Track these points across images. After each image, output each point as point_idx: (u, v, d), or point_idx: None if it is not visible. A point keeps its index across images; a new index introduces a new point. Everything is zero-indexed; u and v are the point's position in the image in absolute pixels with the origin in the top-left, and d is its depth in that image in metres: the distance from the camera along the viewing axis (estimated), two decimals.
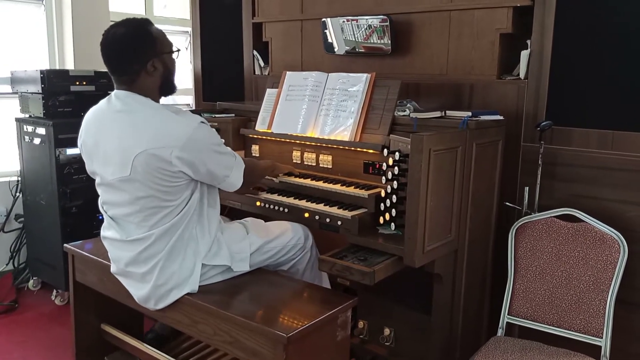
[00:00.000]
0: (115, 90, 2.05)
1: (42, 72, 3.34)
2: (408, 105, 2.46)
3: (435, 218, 2.08)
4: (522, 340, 2.22)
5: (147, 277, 2.05)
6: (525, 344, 2.18)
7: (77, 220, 3.41)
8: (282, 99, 2.74)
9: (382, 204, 2.20)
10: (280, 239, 2.33)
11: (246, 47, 3.56)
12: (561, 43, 2.39)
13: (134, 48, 1.98)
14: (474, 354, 2.14)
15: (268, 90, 2.86)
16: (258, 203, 2.52)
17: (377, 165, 2.40)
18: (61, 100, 3.42)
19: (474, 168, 2.25)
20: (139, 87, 2.01)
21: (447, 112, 2.41)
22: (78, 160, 3.32)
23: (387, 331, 2.57)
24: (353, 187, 2.38)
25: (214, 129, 2.08)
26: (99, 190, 2.15)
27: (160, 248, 2.02)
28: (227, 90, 3.68)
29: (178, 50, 2.12)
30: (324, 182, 2.48)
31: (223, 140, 2.11)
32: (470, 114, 2.33)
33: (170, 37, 2.10)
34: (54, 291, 3.60)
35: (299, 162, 2.70)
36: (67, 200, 3.37)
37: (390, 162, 2.15)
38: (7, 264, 3.75)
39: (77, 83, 3.47)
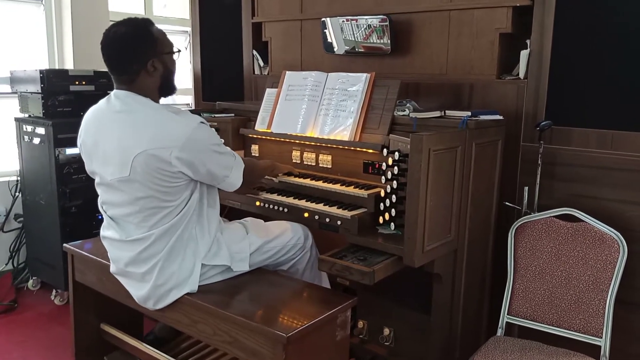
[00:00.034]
0: (114, 90, 2.04)
1: (41, 71, 3.34)
2: (407, 105, 2.46)
3: (435, 218, 2.08)
4: (522, 340, 2.22)
5: (147, 277, 2.05)
6: (524, 343, 2.18)
7: (77, 220, 3.41)
8: (281, 98, 2.74)
9: (381, 204, 2.20)
10: (280, 239, 2.33)
11: (246, 46, 3.56)
12: (561, 43, 2.40)
13: (134, 47, 1.98)
14: (473, 354, 2.14)
15: (268, 90, 2.86)
16: (258, 203, 2.52)
17: (377, 165, 2.40)
18: (61, 100, 3.41)
19: (473, 168, 2.25)
20: (139, 87, 2.01)
21: (446, 111, 2.41)
22: (77, 160, 3.32)
23: (386, 331, 2.57)
24: (353, 186, 2.38)
25: (213, 129, 2.08)
26: (99, 190, 2.15)
27: (159, 248, 2.02)
28: (227, 90, 3.68)
29: (178, 50, 2.12)
30: (323, 182, 2.48)
31: (222, 140, 2.11)
32: (469, 113, 2.33)
33: (170, 37, 2.10)
34: (54, 291, 3.60)
35: (298, 161, 2.70)
36: (66, 200, 3.37)
37: (390, 161, 2.15)
38: (6, 264, 3.74)
39: (77, 83, 3.47)
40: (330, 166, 2.60)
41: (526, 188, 2.44)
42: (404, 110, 2.43)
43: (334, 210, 2.28)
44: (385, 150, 2.29)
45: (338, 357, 1.99)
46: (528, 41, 2.48)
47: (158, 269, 2.02)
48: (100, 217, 2.21)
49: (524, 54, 2.49)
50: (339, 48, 2.99)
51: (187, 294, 2.04)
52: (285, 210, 2.43)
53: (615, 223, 2.21)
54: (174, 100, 2.17)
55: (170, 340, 2.58)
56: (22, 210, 3.74)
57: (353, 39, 2.89)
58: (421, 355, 2.44)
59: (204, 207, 2.09)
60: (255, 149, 2.87)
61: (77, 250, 2.47)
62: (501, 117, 2.41)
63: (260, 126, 2.81)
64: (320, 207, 2.34)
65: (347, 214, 2.22)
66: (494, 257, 2.52)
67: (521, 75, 2.51)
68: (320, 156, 2.62)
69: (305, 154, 2.67)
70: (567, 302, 2.21)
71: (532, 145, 2.45)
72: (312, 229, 2.43)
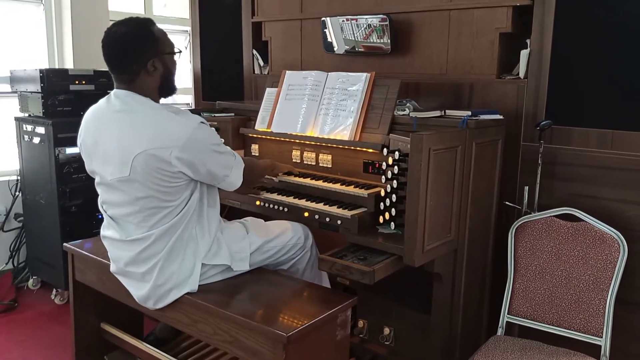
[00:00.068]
0: (114, 90, 2.04)
1: (41, 71, 3.34)
2: (408, 104, 2.46)
3: (435, 217, 2.08)
4: (522, 339, 2.22)
5: (147, 277, 2.05)
6: (525, 343, 2.18)
7: (77, 220, 3.41)
8: (281, 98, 2.74)
9: (381, 203, 2.20)
10: (280, 239, 2.33)
11: (246, 46, 3.56)
12: (561, 42, 2.39)
13: (135, 47, 1.98)
14: (473, 354, 2.14)
15: (267, 90, 2.85)
16: (258, 202, 2.52)
17: (377, 165, 2.40)
18: (60, 100, 3.42)
19: (473, 167, 2.25)
20: (139, 87, 2.01)
21: (446, 111, 2.41)
22: (77, 160, 3.32)
23: (386, 330, 2.57)
24: (353, 186, 2.38)
25: (213, 129, 2.08)
26: (99, 190, 2.15)
27: (159, 248, 2.02)
28: (227, 89, 3.68)
29: (179, 51, 2.12)
30: (323, 182, 2.48)
31: (223, 140, 2.11)
32: (469, 113, 2.33)
33: (170, 37, 2.10)
34: (54, 290, 3.60)
35: (298, 161, 2.70)
36: (66, 199, 3.37)
37: (390, 161, 2.15)
38: (6, 263, 3.74)
39: (77, 82, 3.47)
40: (330, 166, 2.60)
41: (526, 187, 2.44)
42: (404, 110, 2.43)
43: (334, 209, 2.28)
44: (385, 150, 2.29)
45: (338, 356, 1.99)
46: (528, 41, 2.48)
47: (158, 268, 2.02)
48: (100, 216, 2.21)
49: (524, 54, 2.49)
50: (339, 48, 2.99)
51: (187, 293, 2.04)
52: (286, 209, 2.43)
53: (615, 223, 2.21)
54: (174, 99, 2.17)
55: (170, 341, 2.58)
56: (22, 210, 3.74)
57: (353, 39, 2.89)
58: (421, 355, 2.44)
59: (204, 207, 2.09)
60: (255, 148, 2.87)
61: (77, 249, 2.47)
62: (501, 117, 2.41)
63: (260, 126, 2.81)
64: (320, 206, 2.34)
65: (347, 213, 2.22)
66: (494, 256, 2.52)
67: (521, 74, 2.51)
68: (320, 156, 2.62)
69: (305, 154, 2.67)
70: (568, 302, 2.21)
71: (532, 145, 2.45)
72: (312, 229, 2.43)
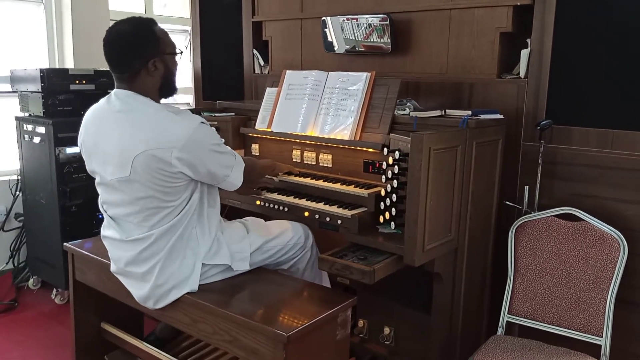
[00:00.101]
0: (115, 90, 2.04)
1: (41, 70, 3.34)
2: (408, 104, 2.46)
3: (435, 217, 2.08)
4: (522, 339, 2.22)
5: (147, 277, 2.05)
6: (525, 343, 2.18)
7: (77, 219, 3.41)
8: (282, 97, 2.74)
9: (382, 203, 2.20)
10: (281, 238, 2.33)
11: (246, 46, 3.56)
12: (561, 42, 2.39)
13: (136, 46, 1.97)
14: (473, 353, 2.14)
15: (268, 89, 2.85)
16: (258, 202, 2.52)
17: (377, 164, 2.40)
18: (61, 99, 3.42)
19: (473, 167, 2.25)
20: (139, 86, 2.01)
21: (447, 111, 2.41)
22: (78, 159, 3.32)
23: (387, 330, 2.57)
24: (353, 186, 2.38)
25: (213, 129, 2.07)
26: (99, 190, 2.15)
27: (160, 248, 2.02)
28: (227, 89, 3.67)
29: (181, 52, 2.12)
30: (323, 181, 2.48)
31: (223, 140, 2.11)
32: (470, 113, 2.33)
33: (171, 37, 2.10)
34: (54, 290, 3.60)
35: (298, 161, 2.70)
36: (67, 199, 3.37)
37: (390, 161, 2.15)
38: (7, 263, 3.75)
39: (77, 82, 3.47)
40: (330, 165, 2.60)
41: (526, 187, 2.44)
42: (404, 110, 2.43)
43: (334, 209, 2.28)
44: (385, 150, 2.29)
45: (338, 356, 1.99)
46: (528, 40, 2.48)
47: (158, 268, 2.02)
48: (100, 216, 2.21)
49: (524, 53, 2.48)
50: (339, 47, 2.99)
51: (188, 293, 2.04)
52: (286, 209, 2.43)
53: (615, 222, 2.21)
54: (174, 99, 2.17)
55: (171, 341, 2.58)
56: (22, 210, 3.74)
57: (353, 38, 2.89)
58: (421, 355, 2.44)
59: (204, 207, 2.09)
60: (255, 148, 2.87)
61: (78, 249, 2.47)
62: (501, 117, 2.41)
63: (260, 125, 2.81)
64: (320, 206, 2.34)
65: (347, 213, 2.22)
66: (494, 256, 2.52)
67: (521, 74, 2.51)
68: (321, 155, 2.62)
69: (305, 153, 2.67)
70: (568, 302, 2.21)
71: (532, 145, 2.45)
72: (313, 228, 2.43)
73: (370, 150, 2.41)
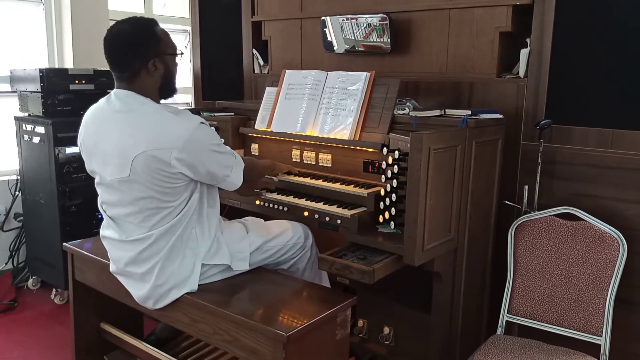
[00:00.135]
0: (115, 90, 2.04)
1: (41, 70, 3.34)
2: (407, 103, 2.46)
3: (435, 217, 2.08)
4: (522, 338, 2.22)
5: (147, 277, 2.05)
6: (524, 342, 2.18)
7: (77, 219, 3.41)
8: (281, 97, 2.74)
9: (381, 203, 2.20)
10: (280, 238, 2.32)
11: (245, 45, 3.56)
12: (561, 41, 2.39)
13: (137, 45, 1.97)
14: (473, 353, 2.14)
15: (267, 89, 2.85)
16: (257, 202, 2.52)
17: (377, 164, 2.40)
18: (60, 99, 3.41)
19: (473, 167, 2.25)
20: (139, 86, 2.00)
21: (446, 110, 2.41)
22: (77, 159, 3.32)
23: (386, 330, 2.57)
24: (352, 185, 2.38)
25: (213, 129, 2.07)
26: (99, 190, 2.15)
27: (159, 248, 2.02)
28: (227, 89, 3.67)
29: (181, 53, 2.12)
30: (323, 181, 2.48)
31: (223, 140, 2.10)
32: (469, 112, 2.33)
33: (171, 38, 2.10)
34: (54, 290, 3.60)
35: (298, 160, 2.70)
36: (66, 199, 3.37)
37: (390, 160, 2.15)
38: (6, 263, 3.74)
39: (77, 82, 3.47)
40: (330, 165, 2.59)
41: (526, 187, 2.44)
42: (404, 109, 2.43)
43: (333, 209, 2.28)
44: (385, 149, 2.29)
45: (338, 356, 1.99)
46: (528, 40, 2.48)
47: (158, 268, 2.02)
48: (100, 216, 2.21)
49: (524, 53, 2.49)
50: (338, 47, 2.99)
51: (187, 293, 2.04)
52: (285, 209, 2.43)
53: (615, 222, 2.21)
54: (174, 99, 2.17)
55: (171, 340, 2.58)
56: (22, 210, 3.74)
57: (353, 38, 2.89)
58: (421, 354, 2.44)
59: (204, 207, 2.09)
60: (255, 148, 2.87)
61: (77, 249, 2.47)
62: (501, 116, 2.41)
63: (260, 125, 2.81)
64: (320, 206, 2.34)
65: (347, 212, 2.22)
66: (494, 256, 2.52)
67: (521, 74, 2.51)
68: (320, 155, 2.62)
69: (305, 153, 2.67)
70: (567, 301, 2.21)
71: (532, 144, 2.45)
72: (312, 228, 2.43)
73: (370, 149, 2.41)
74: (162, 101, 2.11)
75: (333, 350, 1.97)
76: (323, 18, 2.98)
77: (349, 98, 2.51)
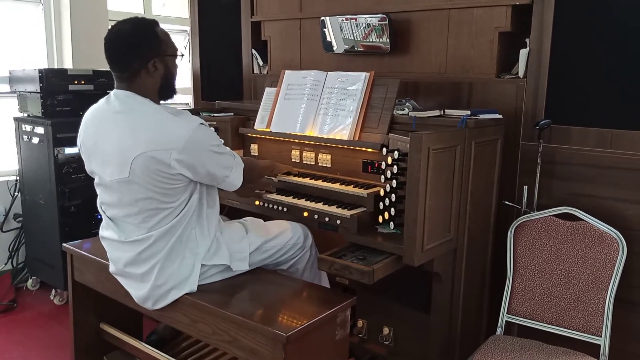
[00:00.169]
0: (114, 90, 2.04)
1: (40, 71, 3.34)
2: (407, 104, 2.46)
3: (434, 217, 2.08)
4: (521, 339, 2.22)
5: (146, 278, 2.05)
6: (524, 342, 2.18)
7: (76, 220, 3.41)
8: (281, 97, 2.74)
9: (381, 203, 2.20)
10: (280, 238, 2.32)
11: (245, 46, 3.56)
12: (560, 41, 2.39)
13: (137, 45, 1.97)
14: (473, 353, 2.14)
15: (267, 89, 2.85)
16: (257, 202, 2.52)
17: (376, 164, 2.40)
18: (60, 100, 3.41)
19: (472, 167, 2.25)
20: (139, 87, 2.00)
21: (446, 110, 2.41)
22: (77, 160, 3.32)
23: (386, 330, 2.57)
24: (352, 186, 2.38)
25: (212, 129, 2.07)
26: (98, 190, 2.14)
27: (159, 249, 2.02)
28: (226, 89, 3.67)
29: (182, 55, 2.11)
30: (322, 181, 2.48)
31: (222, 141, 2.10)
32: (469, 112, 2.33)
33: (172, 39, 2.10)
34: (53, 291, 3.60)
35: (297, 161, 2.70)
36: (65, 199, 3.37)
37: (389, 161, 2.15)
38: (5, 264, 3.74)
39: (76, 82, 3.46)
40: (329, 165, 2.59)
41: (525, 187, 2.44)
42: (403, 109, 2.43)
43: (333, 209, 2.28)
44: (384, 149, 2.29)
45: (337, 356, 1.99)
46: (527, 40, 2.48)
47: (157, 269, 2.02)
48: (99, 216, 2.21)
49: (523, 53, 2.49)
50: (338, 47, 2.99)
51: (187, 293, 2.04)
52: (285, 209, 2.43)
53: (614, 222, 2.21)
54: (173, 99, 2.18)
55: (173, 340, 2.58)
56: (21, 210, 3.74)
57: (352, 38, 2.89)
58: (421, 355, 2.44)
59: (203, 208, 2.09)
60: (254, 148, 2.87)
61: (77, 249, 2.47)
62: (500, 116, 2.41)
63: (259, 125, 2.81)
64: (319, 206, 2.34)
65: (346, 213, 2.22)
66: (494, 256, 2.52)
67: (520, 74, 2.51)
68: (320, 155, 2.62)
69: (304, 153, 2.67)
70: (567, 301, 2.21)
71: (531, 144, 2.45)
72: (312, 228, 2.43)
73: (369, 150, 2.41)
74: (162, 102, 2.11)
75: (333, 350, 1.97)
76: (322, 18, 2.98)
77: (349, 98, 2.51)
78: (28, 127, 3.49)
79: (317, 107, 2.61)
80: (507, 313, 2.31)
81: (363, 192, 2.30)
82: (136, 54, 1.97)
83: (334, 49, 3.01)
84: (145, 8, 4.74)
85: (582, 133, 2.38)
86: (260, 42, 3.48)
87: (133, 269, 2.07)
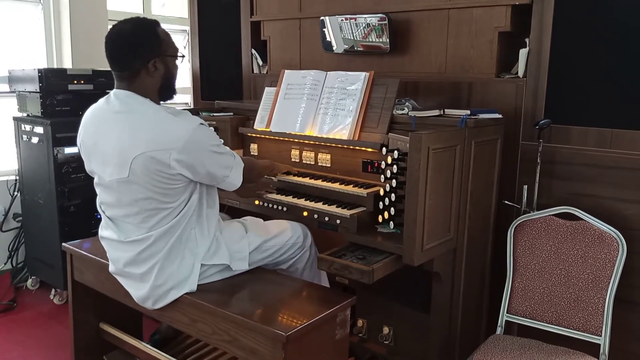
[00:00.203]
0: (114, 90, 2.03)
1: (40, 70, 3.34)
2: (406, 103, 2.46)
3: (434, 217, 2.08)
4: (521, 338, 2.22)
5: (146, 277, 2.05)
6: (524, 342, 2.18)
7: (76, 219, 3.41)
8: (280, 97, 2.74)
9: (380, 203, 2.20)
10: (279, 238, 2.32)
11: (244, 45, 3.56)
12: (560, 41, 2.39)
13: (138, 45, 1.97)
14: (473, 353, 2.14)
15: (266, 89, 2.85)
16: (257, 202, 2.52)
17: (376, 164, 2.40)
18: (59, 99, 3.41)
19: (472, 166, 2.25)
20: (139, 87, 2.00)
21: (445, 110, 2.41)
22: (76, 159, 3.32)
23: (386, 330, 2.57)
24: (352, 185, 2.38)
25: (212, 129, 2.07)
26: (97, 190, 2.14)
27: (159, 249, 2.02)
28: (226, 89, 3.67)
29: (182, 56, 2.11)
30: (322, 181, 2.48)
31: (222, 140, 2.10)
32: (468, 112, 2.33)
33: (173, 40, 2.10)
34: (53, 290, 3.59)
35: (297, 161, 2.70)
36: (65, 199, 3.37)
37: (389, 160, 2.15)
38: (5, 263, 3.74)
39: (75, 82, 3.46)
40: (329, 165, 2.59)
41: (525, 187, 2.44)
42: (403, 109, 2.43)
43: (333, 209, 2.28)
44: (384, 149, 2.28)
45: (337, 356, 1.99)
46: (527, 40, 2.48)
47: (157, 269, 2.02)
48: (99, 216, 2.21)
49: (523, 53, 2.49)
50: (337, 47, 2.99)
51: (187, 293, 2.04)
52: (285, 209, 2.43)
53: (614, 221, 2.21)
54: (172, 99, 2.18)
55: (176, 338, 2.58)
56: (20, 210, 3.74)
57: (352, 38, 2.89)
58: (421, 354, 2.44)
59: (203, 208, 2.09)
60: (254, 148, 2.87)
61: (76, 249, 2.47)
62: (500, 116, 2.41)
63: (259, 125, 2.81)
64: (319, 206, 2.34)
65: (346, 212, 2.22)
66: (493, 255, 2.52)
67: (520, 73, 2.51)
68: (319, 155, 2.62)
69: (304, 153, 2.67)
70: (567, 301, 2.21)
71: (531, 144, 2.45)
72: (311, 228, 2.43)
73: (369, 149, 2.41)
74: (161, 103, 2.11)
75: (332, 350, 1.97)
76: (322, 18, 2.98)
77: (348, 98, 2.51)
78: (27, 127, 3.49)
79: (316, 107, 2.61)
80: (507, 312, 2.31)
81: (363, 191, 2.30)
82: (137, 53, 1.97)
83: (334, 48, 3.01)
84: (145, 8, 4.74)
85: (582, 133, 2.38)
86: (260, 42, 3.48)
87: (133, 268, 2.07)
